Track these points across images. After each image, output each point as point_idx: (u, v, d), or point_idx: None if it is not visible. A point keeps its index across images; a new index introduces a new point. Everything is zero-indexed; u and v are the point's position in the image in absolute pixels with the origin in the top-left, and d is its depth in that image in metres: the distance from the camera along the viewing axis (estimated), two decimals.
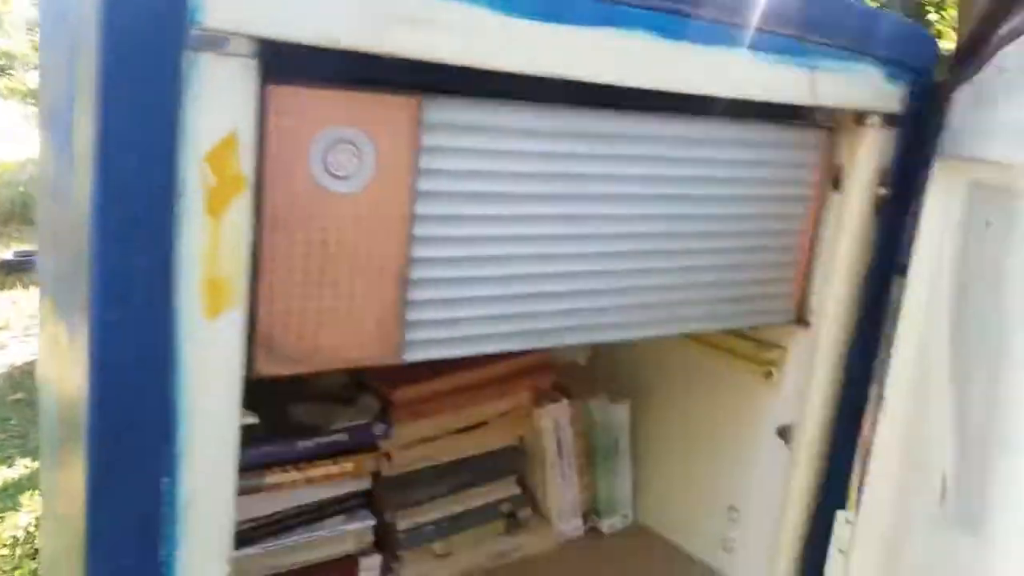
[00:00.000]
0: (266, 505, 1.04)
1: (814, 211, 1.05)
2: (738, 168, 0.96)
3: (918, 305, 0.97)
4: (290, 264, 0.69)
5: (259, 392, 1.10)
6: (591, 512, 1.36)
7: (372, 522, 1.13)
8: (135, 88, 0.57)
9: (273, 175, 0.66)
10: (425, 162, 0.74)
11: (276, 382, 1.16)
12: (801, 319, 1.08)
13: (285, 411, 1.08)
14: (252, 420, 0.73)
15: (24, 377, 4.88)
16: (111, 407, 0.60)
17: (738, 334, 1.17)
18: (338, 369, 1.21)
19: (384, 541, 1.15)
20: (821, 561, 1.14)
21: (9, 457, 3.77)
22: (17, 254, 7.09)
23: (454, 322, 0.80)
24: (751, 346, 1.16)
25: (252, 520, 1.03)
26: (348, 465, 1.06)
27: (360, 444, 1.07)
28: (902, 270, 0.98)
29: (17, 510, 3.33)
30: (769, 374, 1.15)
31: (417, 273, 0.76)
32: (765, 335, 1.15)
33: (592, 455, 1.33)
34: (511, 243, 0.82)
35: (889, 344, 1.07)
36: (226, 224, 0.61)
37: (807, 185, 1.04)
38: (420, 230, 0.75)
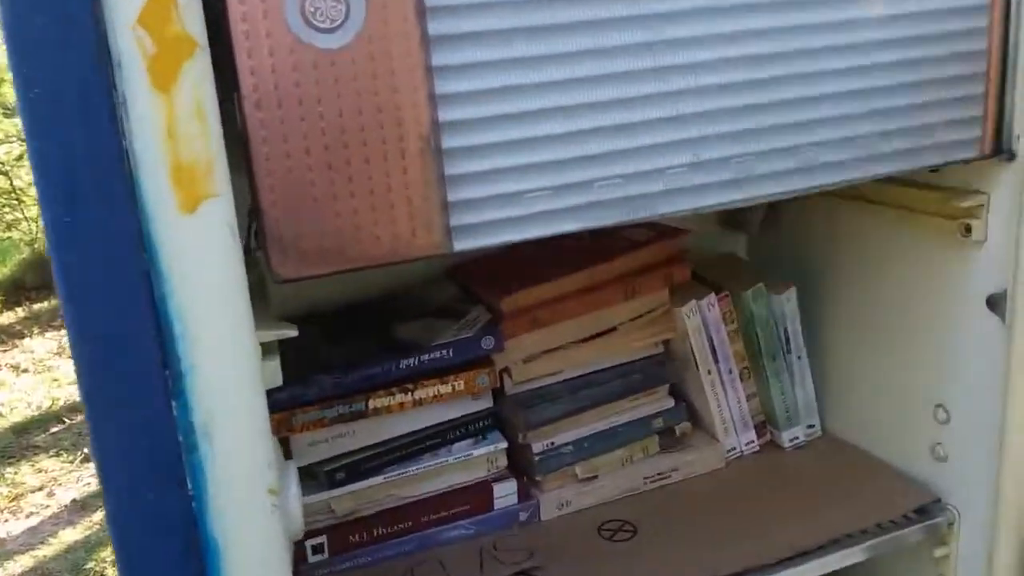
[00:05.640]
0: (383, 431, 0.97)
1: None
2: None
3: None
4: (286, 146, 0.58)
5: (364, 314, 1.02)
6: (766, 424, 1.17)
7: (503, 444, 1.03)
8: None
9: (239, 34, 0.55)
10: None
11: (381, 302, 1.09)
12: (1001, 150, 0.81)
13: (388, 332, 1.00)
14: (292, 333, 0.65)
15: None
16: (88, 331, 0.53)
17: (919, 184, 0.92)
18: (450, 281, 1.12)
19: (519, 465, 1.05)
20: None
21: None
22: None
23: (510, 197, 0.66)
24: (939, 197, 0.91)
25: (370, 448, 0.97)
26: (459, 383, 0.96)
27: (468, 360, 0.97)
28: None
29: None
30: (968, 229, 0.89)
31: (450, 141, 0.63)
32: (955, 180, 0.89)
33: (756, 356, 1.13)
34: (572, 89, 0.66)
35: None
36: (181, 97, 0.52)
37: None
38: (443, 86, 0.61)
